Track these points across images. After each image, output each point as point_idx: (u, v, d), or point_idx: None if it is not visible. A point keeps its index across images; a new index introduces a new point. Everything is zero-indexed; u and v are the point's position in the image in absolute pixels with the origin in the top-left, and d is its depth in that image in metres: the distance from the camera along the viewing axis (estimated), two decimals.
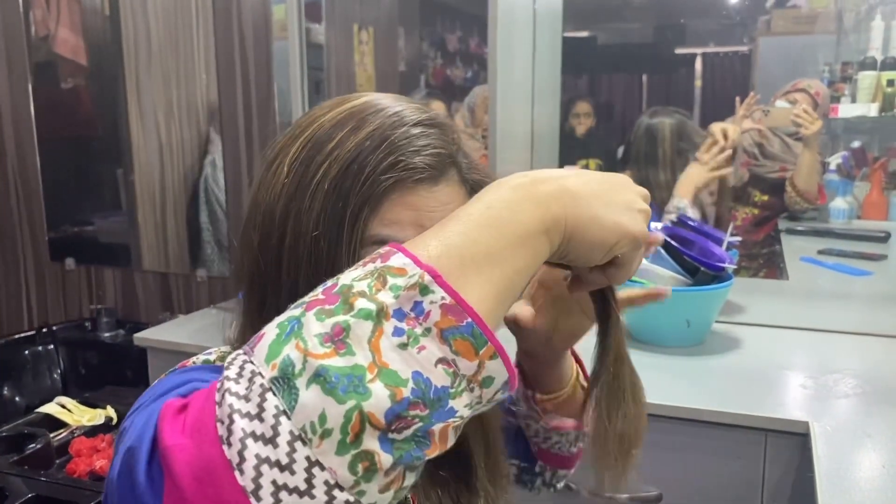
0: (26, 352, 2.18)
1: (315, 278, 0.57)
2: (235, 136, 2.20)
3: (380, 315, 0.42)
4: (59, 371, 2.21)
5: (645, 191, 0.59)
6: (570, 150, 2.24)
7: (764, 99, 1.90)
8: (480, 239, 0.47)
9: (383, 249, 0.46)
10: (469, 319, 0.43)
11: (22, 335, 2.21)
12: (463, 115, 2.38)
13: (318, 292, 0.45)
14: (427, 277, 0.43)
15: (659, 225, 1.60)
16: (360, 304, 0.42)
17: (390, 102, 0.63)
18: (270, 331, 0.43)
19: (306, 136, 0.62)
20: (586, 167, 2.28)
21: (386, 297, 0.42)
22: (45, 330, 2.23)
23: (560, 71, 2.01)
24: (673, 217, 1.76)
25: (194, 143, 2.25)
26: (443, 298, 0.43)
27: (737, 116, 1.89)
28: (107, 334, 2.24)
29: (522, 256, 0.49)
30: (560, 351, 0.78)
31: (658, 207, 1.95)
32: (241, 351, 0.44)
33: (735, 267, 1.56)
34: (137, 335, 1.71)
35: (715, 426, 1.25)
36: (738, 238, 1.72)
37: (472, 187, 0.64)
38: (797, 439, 1.20)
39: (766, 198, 1.98)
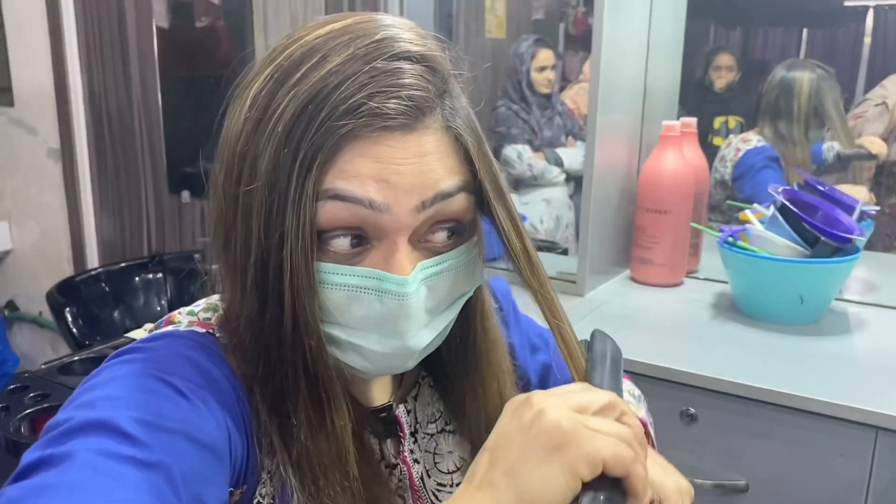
0: (137, 278, 2.29)
1: (265, 232, 0.52)
2: None
3: None
4: (166, 298, 2.31)
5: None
6: (705, 105, 2.07)
7: None
8: None
9: None
10: None
11: (135, 262, 2.32)
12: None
13: None
14: None
15: (780, 188, 1.42)
16: None
17: (379, 27, 0.54)
18: None
19: (277, 62, 0.54)
20: (725, 124, 2.11)
21: None
22: (156, 259, 2.33)
23: (684, 20, 1.83)
24: (801, 181, 1.57)
25: None
26: None
27: None
28: (214, 266, 2.30)
29: None
30: None
31: (788, 168, 1.77)
32: None
33: (864, 239, 1.36)
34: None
35: (818, 417, 1.11)
36: (875, 207, 1.51)
37: (455, 137, 0.55)
38: None
39: None
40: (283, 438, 0.56)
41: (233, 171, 0.54)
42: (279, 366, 0.55)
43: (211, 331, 0.60)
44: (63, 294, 2.09)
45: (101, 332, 2.06)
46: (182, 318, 0.62)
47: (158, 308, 2.30)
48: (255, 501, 0.57)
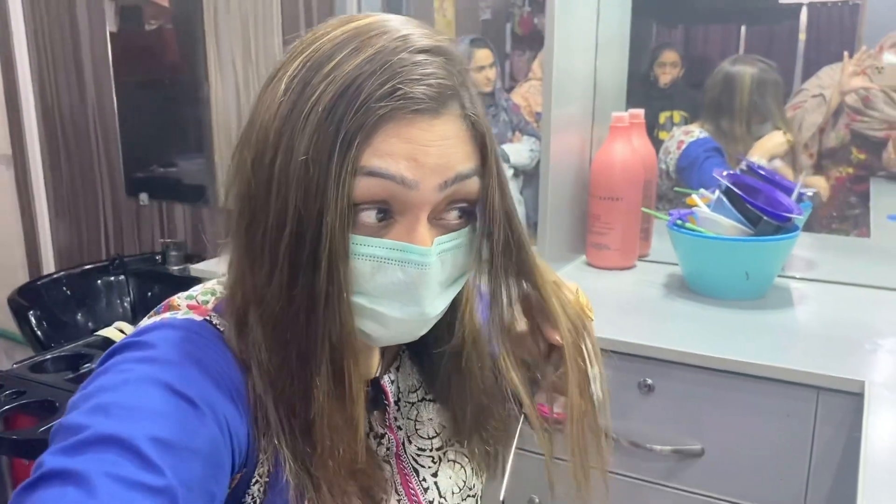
0: (99, 281, 2.28)
1: (304, 204, 0.56)
2: None
3: None
4: (128, 300, 2.30)
5: None
6: (653, 101, 2.15)
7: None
8: None
9: None
10: None
11: (96, 265, 2.31)
12: (541, 60, 2.33)
13: None
14: None
15: (725, 172, 1.51)
16: None
17: (397, 25, 0.59)
18: None
19: (307, 54, 0.59)
20: (670, 118, 2.19)
21: None
22: (117, 261, 2.33)
23: (629, 17, 1.91)
24: (743, 166, 1.66)
25: None
26: None
27: (845, 73, 1.76)
28: (175, 267, 2.31)
29: None
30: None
31: (733, 161, 1.86)
32: None
33: (803, 218, 1.46)
34: (194, 266, 1.76)
35: (764, 381, 1.19)
36: (812, 189, 1.61)
37: (472, 123, 0.60)
38: (851, 399, 1.13)
39: (863, 157, 1.85)
40: (282, 409, 0.59)
41: (266, 152, 0.58)
42: (306, 332, 0.58)
43: (207, 317, 0.63)
44: (25, 298, 2.08)
45: (66, 334, 2.05)
46: (181, 303, 0.65)
47: (121, 310, 2.29)
48: (254, 480, 0.60)
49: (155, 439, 0.51)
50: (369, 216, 0.58)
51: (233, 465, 0.58)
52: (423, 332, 0.64)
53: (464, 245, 0.63)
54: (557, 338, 0.69)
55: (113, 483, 0.47)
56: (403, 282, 0.59)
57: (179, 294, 0.67)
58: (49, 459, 0.49)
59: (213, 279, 0.70)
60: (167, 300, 0.66)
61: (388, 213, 0.59)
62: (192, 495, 0.51)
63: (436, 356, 0.73)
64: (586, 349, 0.71)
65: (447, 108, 0.58)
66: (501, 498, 0.69)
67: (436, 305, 0.61)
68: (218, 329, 0.62)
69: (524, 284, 0.67)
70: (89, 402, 0.53)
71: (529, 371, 0.76)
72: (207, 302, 0.65)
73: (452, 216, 0.61)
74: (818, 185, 1.80)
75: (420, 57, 0.57)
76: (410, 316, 0.60)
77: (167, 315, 0.63)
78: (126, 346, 0.59)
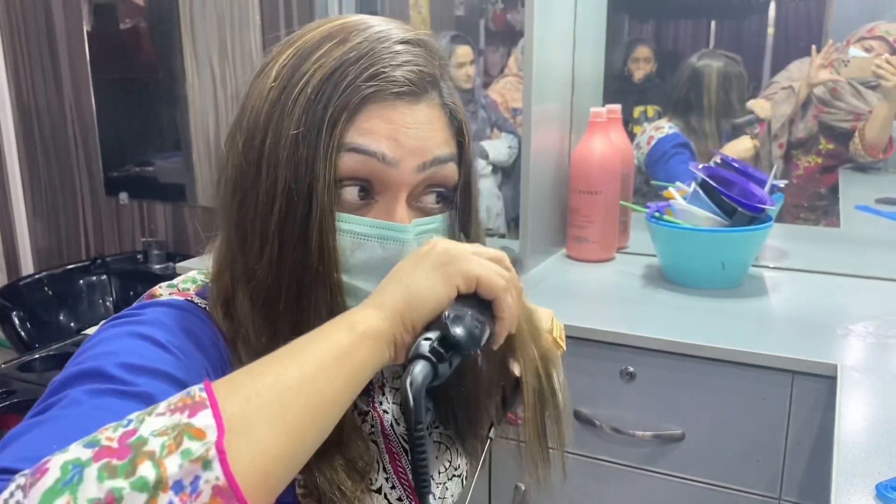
0: (81, 281, 2.28)
1: (294, 179, 0.59)
2: None
3: (157, 487, 0.40)
4: (111, 300, 2.30)
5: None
6: (628, 96, 2.19)
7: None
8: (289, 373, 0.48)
9: (197, 394, 0.45)
10: None
11: (78, 265, 2.31)
12: (517, 57, 2.35)
13: (117, 434, 0.42)
14: (212, 452, 0.42)
15: (700, 165, 1.55)
16: (143, 469, 0.40)
17: (381, 21, 0.64)
18: (53, 469, 0.40)
19: (297, 45, 0.63)
20: (644, 113, 2.23)
21: (172, 466, 0.41)
22: (98, 261, 2.32)
23: (605, 14, 1.95)
24: (717, 159, 1.71)
25: None
26: (217, 479, 0.41)
27: (813, 66, 1.80)
28: (157, 266, 2.31)
29: (339, 376, 0.50)
30: None
31: (702, 156, 1.90)
32: (24, 474, 0.41)
33: (776, 209, 1.50)
34: (180, 264, 1.77)
35: (741, 366, 1.23)
36: (784, 181, 1.66)
37: (451, 112, 0.65)
38: (825, 382, 1.17)
39: (831, 146, 1.90)
40: None
41: (257, 134, 0.61)
42: (297, 306, 0.61)
43: (189, 298, 0.66)
44: (6, 299, 2.07)
45: (49, 335, 2.05)
46: (163, 291, 0.68)
47: (103, 309, 2.29)
48: None
49: (123, 364, 0.53)
50: (351, 193, 0.61)
51: None
52: None
53: (440, 230, 0.66)
54: (517, 371, 0.71)
55: (84, 394, 0.50)
56: (382, 258, 0.62)
57: (161, 284, 0.69)
58: (31, 410, 0.52)
59: (192, 271, 0.73)
60: (149, 290, 0.69)
61: (368, 192, 0.62)
62: None
63: None
64: (549, 382, 0.72)
65: (427, 94, 0.62)
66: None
67: None
68: (200, 307, 0.65)
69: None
70: (71, 364, 0.56)
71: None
72: (188, 289, 0.68)
73: (430, 200, 0.65)
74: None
75: (402, 47, 0.62)
76: None
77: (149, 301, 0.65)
78: (108, 320, 0.62)
